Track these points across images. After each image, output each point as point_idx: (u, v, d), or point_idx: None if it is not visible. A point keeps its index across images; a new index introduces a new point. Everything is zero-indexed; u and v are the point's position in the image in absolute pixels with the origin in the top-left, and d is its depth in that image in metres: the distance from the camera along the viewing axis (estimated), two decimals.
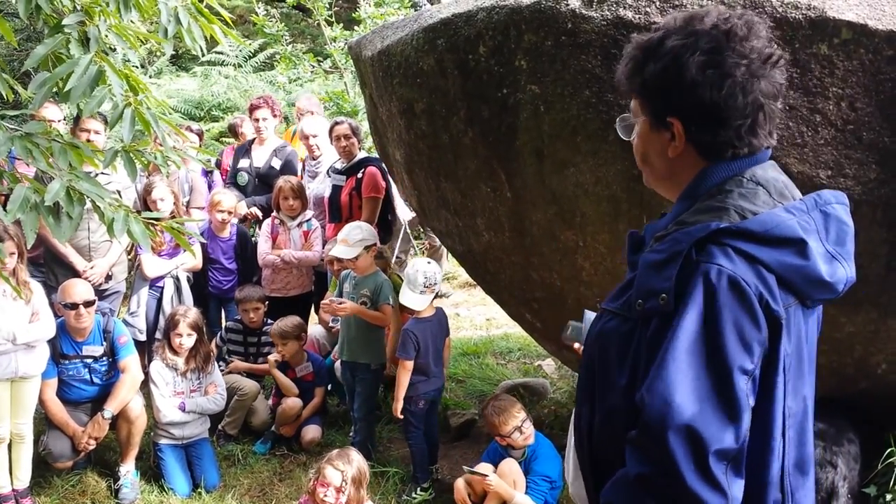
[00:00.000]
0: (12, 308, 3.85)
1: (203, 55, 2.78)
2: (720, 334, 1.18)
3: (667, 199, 1.47)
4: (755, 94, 1.29)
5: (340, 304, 4.35)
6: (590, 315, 1.58)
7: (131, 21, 2.58)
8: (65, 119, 5.37)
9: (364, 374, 4.47)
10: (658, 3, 2.66)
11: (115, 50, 2.61)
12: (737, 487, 1.19)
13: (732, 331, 1.18)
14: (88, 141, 4.65)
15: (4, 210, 2.22)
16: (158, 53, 11.08)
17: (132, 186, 4.85)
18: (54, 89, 2.34)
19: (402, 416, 4.17)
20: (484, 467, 3.78)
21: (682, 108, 1.32)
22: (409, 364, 4.10)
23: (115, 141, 4.71)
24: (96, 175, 4.37)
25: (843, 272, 1.30)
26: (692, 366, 1.18)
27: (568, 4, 2.87)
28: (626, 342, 1.30)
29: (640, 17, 2.68)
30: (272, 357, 4.80)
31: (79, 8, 2.45)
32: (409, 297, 4.12)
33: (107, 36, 2.45)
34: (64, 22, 2.40)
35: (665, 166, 1.40)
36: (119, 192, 4.46)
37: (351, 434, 4.62)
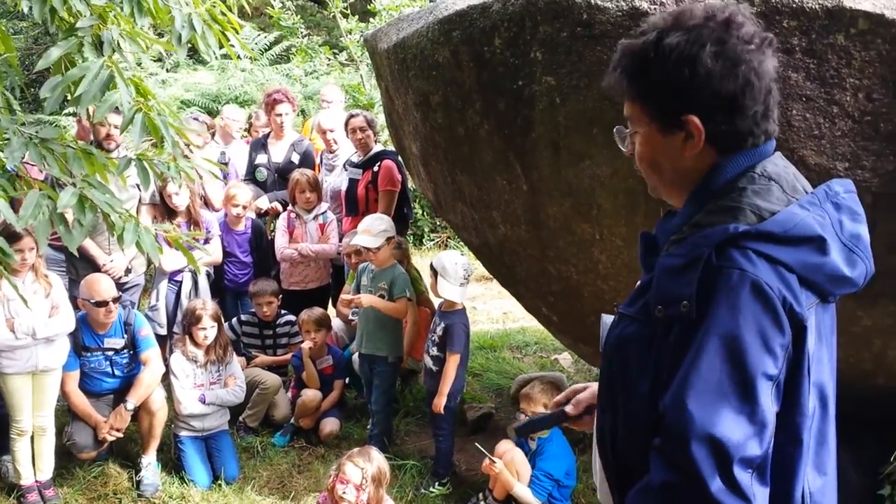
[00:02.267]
0: (32, 302, 3.90)
1: (216, 58, 2.81)
2: (743, 341, 1.17)
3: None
4: (766, 79, 1.29)
5: (357, 298, 4.39)
6: (607, 319, 1.57)
7: (142, 27, 2.60)
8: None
9: (382, 366, 4.49)
10: None
11: (124, 53, 2.63)
12: (762, 496, 1.17)
13: (756, 337, 1.17)
14: (108, 136, 4.69)
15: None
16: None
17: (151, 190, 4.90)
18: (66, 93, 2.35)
19: (442, 412, 4.15)
20: (500, 447, 3.81)
21: (700, 103, 1.29)
22: (458, 358, 4.13)
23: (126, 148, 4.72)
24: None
25: (862, 266, 1.29)
26: (715, 373, 1.17)
27: None
28: (646, 348, 1.28)
29: (654, 7, 2.66)
30: (306, 345, 4.81)
31: (89, 13, 2.47)
32: (449, 290, 4.11)
33: (119, 40, 2.47)
34: (77, 25, 2.42)
35: (678, 170, 1.36)
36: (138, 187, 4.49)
37: (368, 427, 4.64)
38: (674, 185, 1.39)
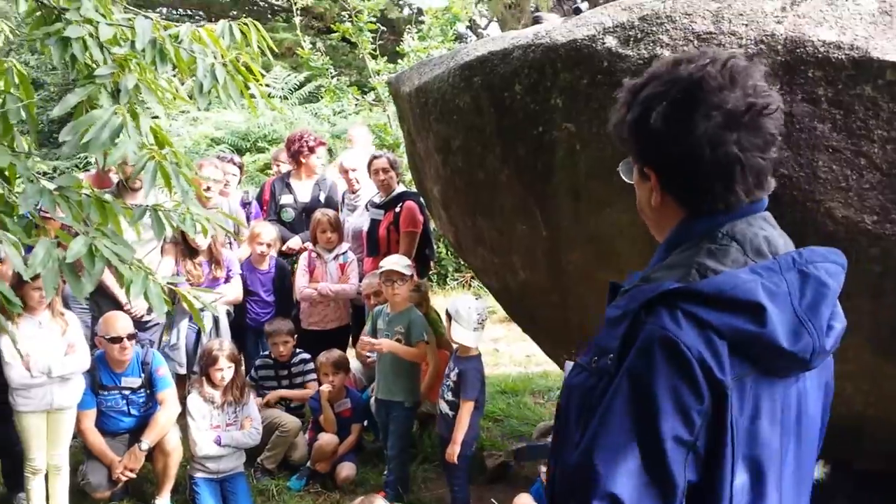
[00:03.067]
0: (48, 340, 3.92)
1: (237, 106, 2.82)
2: (654, 401, 1.11)
3: None
4: (727, 148, 1.20)
5: (377, 343, 4.34)
6: (569, 366, 1.56)
7: (165, 74, 2.62)
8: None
9: (398, 411, 4.42)
10: (696, 42, 2.61)
11: (147, 98, 2.65)
12: None
13: (668, 398, 1.11)
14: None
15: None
16: None
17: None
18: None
19: (456, 461, 4.06)
20: (518, 500, 3.72)
21: (654, 159, 1.28)
22: (471, 405, 4.05)
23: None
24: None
25: (808, 341, 1.18)
26: (623, 432, 1.12)
27: (604, 43, 2.84)
28: (585, 398, 1.23)
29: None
30: (325, 388, 4.75)
31: (111, 61, 2.49)
32: (462, 335, 4.05)
33: (138, 89, 2.49)
34: (96, 73, 2.44)
35: (654, 215, 1.34)
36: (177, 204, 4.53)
37: (385, 473, 4.56)
38: (655, 228, 1.37)
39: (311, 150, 5.83)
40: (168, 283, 2.65)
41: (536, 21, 3.77)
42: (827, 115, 2.48)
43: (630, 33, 2.80)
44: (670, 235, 1.30)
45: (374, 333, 4.52)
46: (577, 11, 3.17)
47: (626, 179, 1.43)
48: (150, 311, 4.94)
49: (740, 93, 1.20)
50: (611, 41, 2.82)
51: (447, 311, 4.16)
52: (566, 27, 3.02)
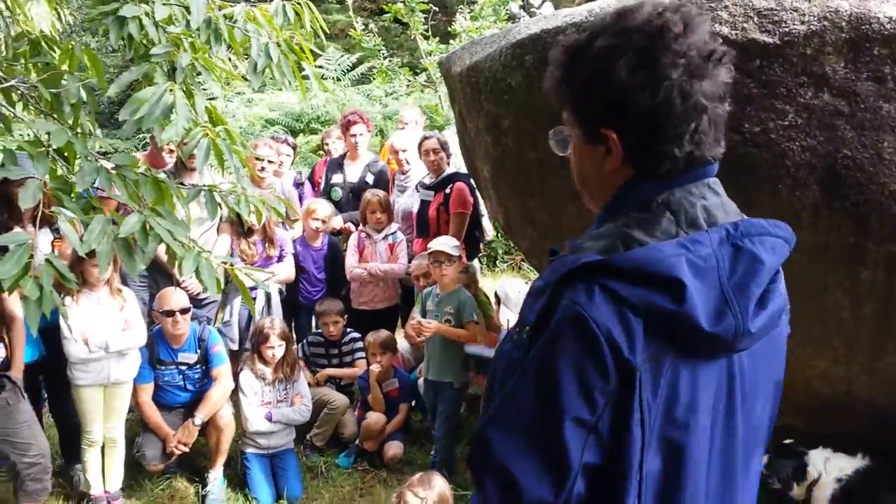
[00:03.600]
0: (105, 316, 4.02)
1: (290, 87, 2.83)
2: (556, 379, 1.07)
3: None
4: (696, 97, 1.13)
5: (426, 324, 4.34)
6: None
7: (219, 53, 2.65)
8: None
9: (447, 392, 4.43)
10: (756, 19, 2.51)
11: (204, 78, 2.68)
12: None
13: (572, 376, 1.06)
14: (192, 156, 4.80)
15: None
16: None
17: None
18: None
19: None
20: None
21: (616, 118, 1.17)
22: None
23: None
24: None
25: (730, 321, 1.09)
26: (526, 407, 1.10)
27: None
28: (508, 368, 1.18)
29: (736, 33, 2.54)
30: (375, 367, 4.81)
31: (165, 39, 2.52)
32: (511, 319, 4.03)
33: (193, 68, 2.51)
34: (152, 52, 2.47)
35: (602, 185, 1.24)
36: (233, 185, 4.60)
37: (432, 453, 4.58)
38: (601, 200, 1.26)
39: (347, 125, 5.91)
40: (221, 261, 2.68)
41: None
42: (893, 94, 2.37)
43: None
44: (610, 201, 1.22)
45: (423, 314, 4.53)
46: None
47: (557, 152, 1.34)
48: (205, 288, 5.04)
49: (699, 40, 1.13)
50: None
51: (496, 293, 4.14)
52: (620, 4, 2.94)
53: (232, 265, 2.90)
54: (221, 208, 2.76)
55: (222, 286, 2.94)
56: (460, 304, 4.38)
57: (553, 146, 1.33)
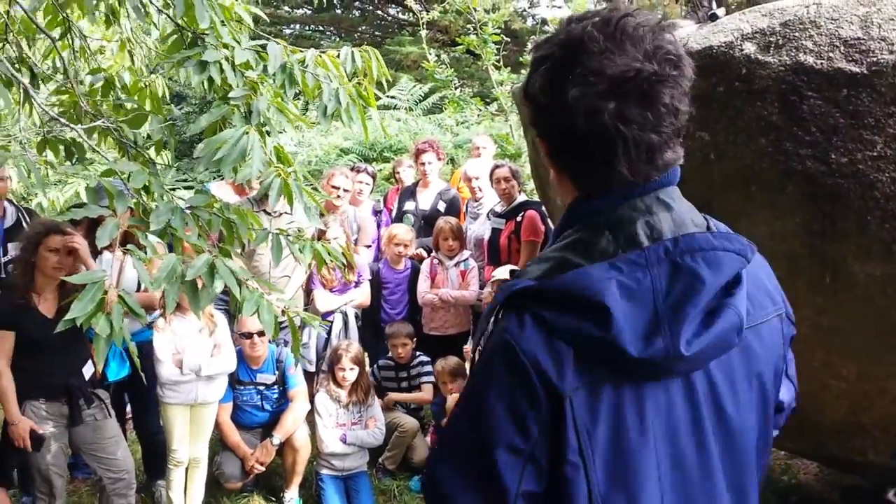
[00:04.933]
0: (198, 341, 4.17)
1: (350, 128, 2.99)
2: (487, 406, 1.06)
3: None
4: (602, 119, 1.03)
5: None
6: None
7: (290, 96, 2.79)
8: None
9: None
10: (842, 49, 2.49)
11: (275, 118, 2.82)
12: None
13: (503, 404, 1.05)
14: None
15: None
16: None
17: (311, 227, 5.13)
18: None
19: None
20: None
21: (540, 129, 1.14)
22: None
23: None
24: (279, 215, 4.71)
25: (659, 345, 1.02)
26: (461, 435, 1.11)
27: (742, 49, 2.76)
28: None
29: (822, 63, 2.52)
30: (454, 396, 4.80)
31: (242, 84, 2.67)
32: None
33: (269, 110, 2.66)
34: (230, 95, 2.62)
35: (564, 198, 1.19)
36: (299, 230, 4.75)
37: None
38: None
39: (418, 153, 6.11)
40: (279, 299, 2.78)
41: None
42: None
43: (770, 39, 2.71)
44: (560, 220, 1.18)
45: None
46: (714, 18, 3.09)
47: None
48: (283, 312, 5.18)
49: (628, 57, 1.03)
50: (749, 47, 2.74)
51: None
52: (701, 34, 2.96)
53: (287, 307, 3.00)
54: (284, 252, 2.85)
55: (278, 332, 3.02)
56: None
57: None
